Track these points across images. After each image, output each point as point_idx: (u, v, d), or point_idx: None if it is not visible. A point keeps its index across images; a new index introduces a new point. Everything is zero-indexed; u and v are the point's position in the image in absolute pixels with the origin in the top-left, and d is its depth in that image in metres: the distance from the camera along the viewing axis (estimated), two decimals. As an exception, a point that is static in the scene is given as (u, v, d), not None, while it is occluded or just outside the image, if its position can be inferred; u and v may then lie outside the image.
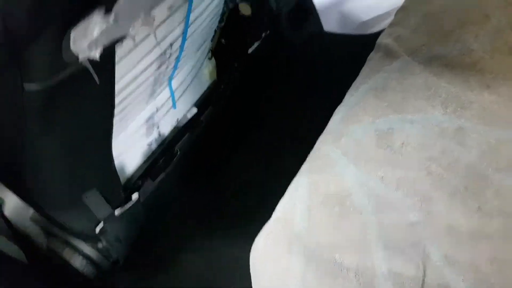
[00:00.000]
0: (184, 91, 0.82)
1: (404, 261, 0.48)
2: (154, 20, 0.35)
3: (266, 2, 0.82)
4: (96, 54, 0.32)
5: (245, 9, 0.79)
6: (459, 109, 0.62)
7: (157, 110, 0.76)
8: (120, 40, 0.34)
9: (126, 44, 0.38)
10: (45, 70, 0.31)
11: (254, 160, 0.83)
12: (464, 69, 0.67)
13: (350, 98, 0.63)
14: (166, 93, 0.77)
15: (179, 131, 0.82)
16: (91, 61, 0.32)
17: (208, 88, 0.87)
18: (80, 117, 0.42)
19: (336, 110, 0.63)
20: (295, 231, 0.52)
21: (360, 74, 0.67)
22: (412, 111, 0.61)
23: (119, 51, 0.38)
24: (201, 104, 0.85)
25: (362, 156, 0.56)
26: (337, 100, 0.67)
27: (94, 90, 0.37)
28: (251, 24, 0.81)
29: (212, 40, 0.81)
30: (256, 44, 0.85)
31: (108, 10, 0.31)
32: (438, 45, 0.69)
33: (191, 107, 0.85)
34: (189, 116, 0.84)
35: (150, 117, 0.76)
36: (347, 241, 0.50)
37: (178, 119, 0.84)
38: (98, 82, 0.34)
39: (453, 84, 0.65)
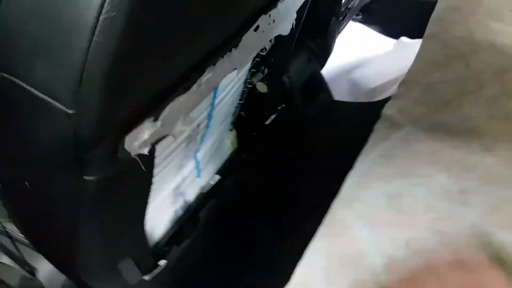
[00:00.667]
0: (208, 161, 0.89)
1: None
2: (192, 121, 0.43)
3: (280, 81, 0.92)
4: (145, 151, 0.40)
5: (262, 88, 0.88)
6: (462, 172, 0.67)
7: (183, 180, 0.83)
8: (164, 138, 0.42)
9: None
10: (102, 167, 0.39)
11: (273, 224, 0.88)
12: (464, 135, 0.73)
13: (360, 165, 0.69)
14: (191, 164, 0.84)
15: (203, 198, 0.88)
16: (139, 156, 0.40)
17: (230, 156, 0.94)
18: (125, 198, 0.49)
19: (348, 176, 0.69)
20: (316, 291, 0.56)
21: (369, 142, 0.73)
22: (418, 176, 0.66)
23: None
24: (223, 171, 0.92)
25: (374, 220, 0.61)
26: (349, 165, 0.74)
27: (139, 176, 0.45)
28: (268, 100, 0.90)
29: (233, 115, 0.90)
30: (272, 117, 0.94)
31: (156, 119, 0.39)
32: (439, 114, 0.76)
33: (214, 174, 0.92)
34: (212, 183, 0.90)
35: (177, 187, 0.83)
36: (365, 300, 0.54)
37: (202, 186, 0.90)
38: (145, 170, 0.41)
39: (455, 149, 0.71)
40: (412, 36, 1.47)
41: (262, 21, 0.49)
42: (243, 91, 0.85)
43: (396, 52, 1.50)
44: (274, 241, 0.85)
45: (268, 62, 0.82)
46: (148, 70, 0.36)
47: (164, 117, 0.40)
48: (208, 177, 0.91)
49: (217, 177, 0.91)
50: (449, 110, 0.77)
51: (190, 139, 0.68)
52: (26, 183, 0.42)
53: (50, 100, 0.33)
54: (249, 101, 0.90)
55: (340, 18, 1.15)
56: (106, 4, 0.29)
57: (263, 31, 0.49)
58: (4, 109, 0.37)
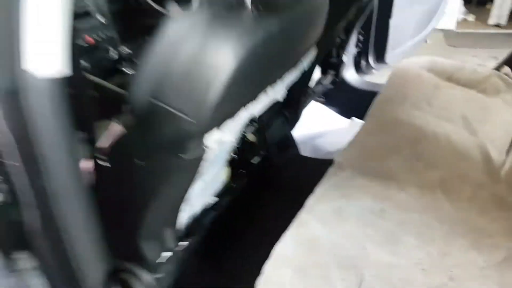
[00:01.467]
0: (209, 185, 1.20)
1: (349, 275, 0.83)
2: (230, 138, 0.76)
3: (263, 134, 1.28)
4: (213, 145, 0.72)
5: (251, 137, 1.23)
6: (383, 200, 1.03)
7: (195, 194, 1.13)
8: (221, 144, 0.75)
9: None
10: (191, 151, 0.71)
11: (253, 228, 1.19)
12: (386, 179, 1.10)
13: (318, 190, 1.04)
14: (200, 183, 1.15)
15: (204, 211, 1.18)
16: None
17: (224, 185, 1.26)
18: (188, 179, 0.80)
19: (310, 197, 1.03)
20: (288, 258, 0.86)
21: (324, 178, 1.08)
22: (354, 199, 1.01)
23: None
24: (219, 195, 1.23)
25: (324, 221, 0.94)
26: (308, 195, 1.07)
27: (196, 166, 0.77)
28: (254, 147, 1.25)
29: (229, 155, 1.24)
30: (256, 159, 1.28)
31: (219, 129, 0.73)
32: (370, 163, 1.13)
33: (212, 196, 1.23)
34: (211, 202, 1.21)
35: (189, 199, 1.13)
36: (317, 262, 0.85)
37: (203, 204, 1.20)
38: (202, 160, 0.73)
39: (379, 186, 1.07)
40: (361, 117, 1.90)
41: (270, 89, 0.85)
42: (239, 138, 1.19)
43: (348, 129, 1.92)
44: (252, 243, 1.14)
45: (259, 120, 1.18)
46: (228, 107, 0.70)
47: (223, 129, 0.73)
48: (208, 197, 1.22)
49: (215, 198, 1.22)
50: (377, 162, 1.14)
51: (210, 161, 1.00)
52: (141, 162, 0.72)
53: (182, 115, 0.63)
54: (241, 146, 1.25)
55: (307, 97, 1.55)
56: (227, 68, 0.62)
57: (269, 95, 0.85)
58: (145, 121, 0.68)
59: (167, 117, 0.65)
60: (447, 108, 1.42)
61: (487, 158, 1.17)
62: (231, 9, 0.69)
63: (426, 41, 2.50)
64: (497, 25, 3.66)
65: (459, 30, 3.53)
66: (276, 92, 0.89)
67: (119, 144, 0.79)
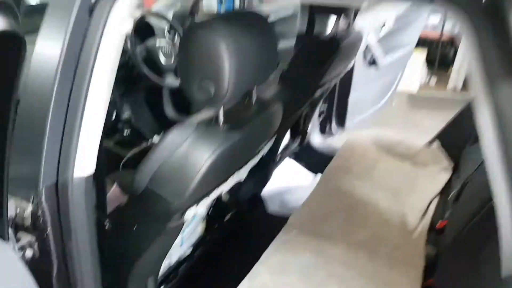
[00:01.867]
0: (188, 237, 1.52)
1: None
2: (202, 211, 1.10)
3: (236, 195, 1.62)
4: (189, 218, 1.06)
5: (226, 197, 1.57)
6: (318, 256, 1.36)
7: (173, 246, 1.45)
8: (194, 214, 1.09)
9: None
10: (174, 221, 1.04)
11: (221, 276, 1.50)
12: (324, 238, 1.43)
13: (272, 245, 1.37)
14: (179, 237, 1.47)
15: (181, 261, 1.49)
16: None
17: (200, 237, 1.57)
18: (172, 240, 1.13)
19: (265, 251, 1.36)
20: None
21: (278, 234, 1.42)
22: (297, 254, 1.34)
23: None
24: (195, 245, 1.54)
25: (272, 271, 1.26)
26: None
27: (179, 229, 1.10)
28: (227, 205, 1.58)
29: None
30: (229, 216, 1.61)
31: (197, 205, 1.07)
32: (314, 225, 1.47)
33: (188, 248, 1.54)
34: (188, 252, 1.52)
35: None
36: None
37: (180, 254, 1.52)
38: (181, 228, 1.06)
39: (318, 244, 1.40)
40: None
41: (236, 174, 1.20)
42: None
43: (312, 184, 2.26)
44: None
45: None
46: (204, 191, 1.03)
47: (199, 205, 1.06)
48: (186, 248, 1.53)
49: (191, 249, 1.54)
50: (319, 224, 1.48)
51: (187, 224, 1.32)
52: (135, 226, 1.04)
53: (168, 198, 0.96)
54: (216, 205, 1.58)
55: (276, 161, 1.90)
56: (203, 167, 0.95)
57: (235, 177, 1.20)
58: (142, 200, 1.01)
59: (158, 199, 0.98)
60: (383, 179, 1.78)
61: (404, 224, 1.52)
62: (210, 124, 1.03)
63: (392, 104, 2.90)
64: (454, 89, 4.12)
65: (420, 94, 3.98)
66: (241, 175, 1.24)
67: (118, 211, 1.12)
